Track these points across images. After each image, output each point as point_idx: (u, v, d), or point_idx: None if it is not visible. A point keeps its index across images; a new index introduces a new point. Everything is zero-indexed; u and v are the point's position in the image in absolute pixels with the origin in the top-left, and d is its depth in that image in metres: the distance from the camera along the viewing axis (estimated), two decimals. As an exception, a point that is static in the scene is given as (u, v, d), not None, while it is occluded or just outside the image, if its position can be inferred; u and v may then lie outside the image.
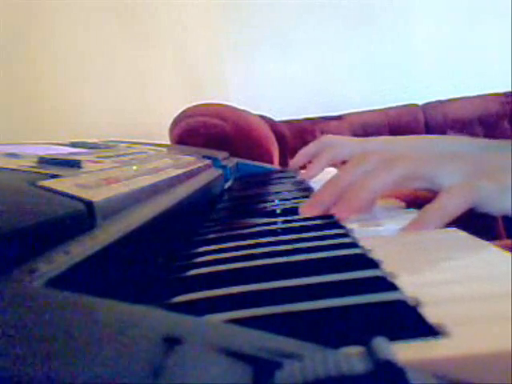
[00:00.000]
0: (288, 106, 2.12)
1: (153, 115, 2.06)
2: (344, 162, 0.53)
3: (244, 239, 0.35)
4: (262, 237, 0.35)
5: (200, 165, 0.64)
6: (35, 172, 0.32)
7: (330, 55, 2.20)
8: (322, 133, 2.02)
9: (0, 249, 0.18)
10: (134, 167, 0.45)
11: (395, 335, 0.17)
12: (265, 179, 0.86)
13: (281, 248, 0.31)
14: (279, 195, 0.61)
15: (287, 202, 0.53)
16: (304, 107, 2.11)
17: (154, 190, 0.39)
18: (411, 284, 0.23)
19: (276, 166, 1.45)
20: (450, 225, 0.38)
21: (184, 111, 1.62)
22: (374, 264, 0.26)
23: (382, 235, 0.39)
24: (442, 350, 0.17)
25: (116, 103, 2.09)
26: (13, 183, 0.28)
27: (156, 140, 1.13)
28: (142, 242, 0.29)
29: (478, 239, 0.33)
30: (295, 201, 0.52)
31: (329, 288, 0.23)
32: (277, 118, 1.96)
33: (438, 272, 0.27)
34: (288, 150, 1.85)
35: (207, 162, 0.71)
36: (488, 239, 0.32)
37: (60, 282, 0.19)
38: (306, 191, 0.61)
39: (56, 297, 0.16)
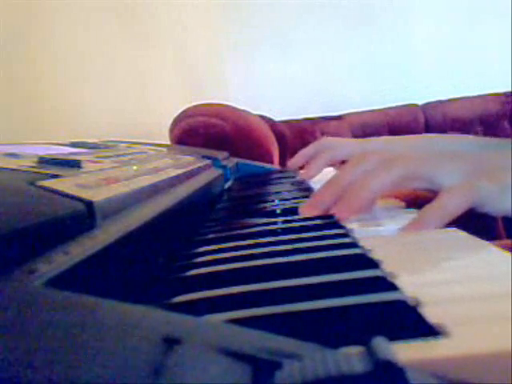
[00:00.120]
0: (288, 106, 2.12)
1: (153, 115, 2.06)
2: (343, 163, 0.53)
3: (244, 239, 0.35)
4: (261, 237, 0.35)
5: (200, 165, 0.64)
6: (35, 172, 0.32)
7: (329, 55, 2.20)
8: (322, 133, 2.02)
9: (0, 249, 0.18)
10: (134, 167, 0.45)
11: (395, 335, 0.17)
12: (265, 179, 0.86)
13: (281, 248, 0.31)
14: (279, 195, 0.61)
15: (287, 201, 0.53)
16: (304, 107, 2.11)
17: (154, 190, 0.39)
18: (411, 284, 0.23)
19: (276, 166, 1.45)
20: (450, 225, 0.38)
21: (184, 111, 1.62)
22: (373, 264, 0.26)
23: (382, 235, 0.39)
24: (442, 350, 0.17)
25: (116, 103, 2.09)
26: (13, 183, 0.28)
27: (156, 140, 1.13)
28: (141, 241, 0.29)
29: (478, 239, 0.33)
30: (295, 201, 0.52)
31: (329, 288, 0.23)
32: (277, 118, 1.96)
33: (438, 272, 0.27)
34: (288, 150, 1.85)
35: (207, 162, 0.71)
36: (488, 239, 0.32)
37: (60, 282, 0.19)
38: (305, 191, 0.61)
39: (56, 297, 0.16)
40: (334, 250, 0.29)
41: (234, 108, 1.64)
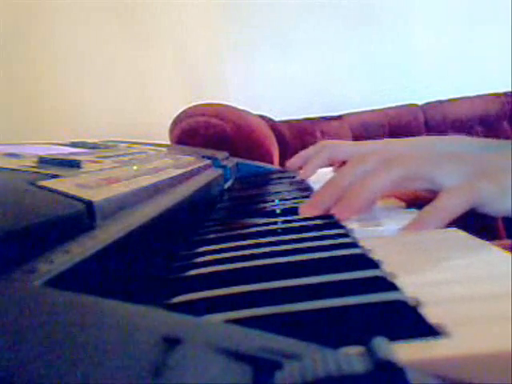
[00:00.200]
0: (288, 105, 2.12)
1: (153, 115, 2.06)
2: (343, 164, 0.53)
3: (244, 239, 0.35)
4: (261, 237, 0.35)
5: (200, 165, 0.64)
6: (35, 172, 0.32)
7: (330, 55, 2.20)
8: (322, 133, 2.02)
9: (0, 249, 0.18)
10: (134, 167, 0.45)
11: (395, 335, 0.17)
12: (265, 179, 0.86)
13: (281, 248, 0.31)
14: (279, 195, 0.61)
15: (287, 202, 0.53)
16: (304, 107, 2.11)
17: (154, 190, 0.39)
18: (411, 284, 0.23)
19: (276, 166, 1.45)
20: (450, 225, 0.38)
21: (184, 111, 1.62)
22: (373, 264, 0.26)
23: (382, 235, 0.39)
24: (441, 350, 0.17)
25: (116, 103, 2.09)
26: (13, 183, 0.28)
27: (156, 140, 1.13)
28: (141, 241, 0.29)
29: (478, 239, 0.33)
30: (295, 201, 0.52)
31: (329, 288, 0.23)
32: (277, 118, 1.96)
33: (438, 272, 0.27)
34: (288, 150, 1.85)
35: (207, 161, 0.71)
36: (488, 239, 0.32)
37: (60, 281, 0.19)
38: (305, 191, 0.61)
39: (56, 297, 0.16)
40: (334, 250, 0.29)
41: (234, 108, 1.64)
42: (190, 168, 0.57)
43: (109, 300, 0.16)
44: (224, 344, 0.14)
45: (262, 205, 0.54)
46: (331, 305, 0.20)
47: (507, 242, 0.54)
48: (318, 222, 0.40)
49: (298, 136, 1.97)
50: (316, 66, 2.20)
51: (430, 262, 0.30)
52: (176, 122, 1.61)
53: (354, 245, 0.31)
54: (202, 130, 1.51)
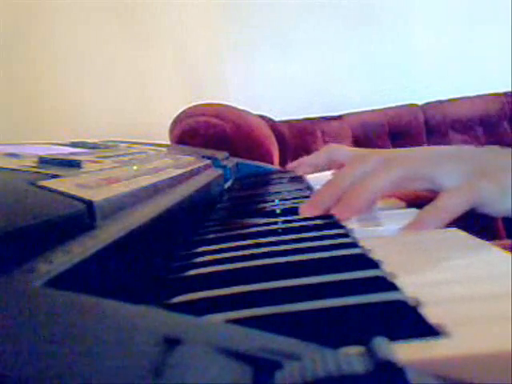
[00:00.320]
0: (288, 105, 2.12)
1: (153, 115, 2.06)
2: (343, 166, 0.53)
3: (244, 239, 0.35)
4: (262, 237, 0.35)
5: (200, 165, 0.64)
6: (35, 172, 0.32)
7: (330, 55, 2.20)
8: (322, 133, 2.02)
9: (0, 249, 0.18)
10: (134, 167, 0.45)
11: (395, 335, 0.17)
12: (265, 179, 0.86)
13: (281, 248, 0.31)
14: (279, 195, 0.61)
15: (287, 202, 0.53)
16: (304, 107, 2.11)
17: (154, 190, 0.39)
18: (411, 284, 0.23)
19: (276, 166, 1.45)
20: (450, 225, 0.38)
21: (184, 111, 1.62)
22: (373, 264, 0.26)
23: (382, 235, 0.39)
24: (441, 350, 0.17)
25: (116, 103, 2.09)
26: (13, 183, 0.28)
27: (156, 140, 1.13)
28: (141, 241, 0.29)
29: (478, 239, 0.33)
30: (295, 201, 0.52)
31: (329, 288, 0.23)
32: (277, 118, 1.96)
33: (438, 272, 0.27)
34: (288, 150, 1.85)
35: (207, 161, 0.71)
36: (488, 239, 0.32)
37: (60, 281, 0.19)
38: (305, 191, 0.61)
39: (56, 297, 0.16)
40: (334, 250, 0.29)
41: (234, 108, 1.64)
42: (189, 168, 0.57)
43: (109, 300, 0.16)
44: (224, 344, 0.14)
45: (262, 205, 0.54)
46: (331, 305, 0.20)
47: (507, 241, 0.54)
48: (318, 222, 0.40)
49: (298, 136, 1.97)
50: (316, 66, 2.20)
51: (430, 262, 0.30)
52: (176, 121, 1.61)
53: (354, 245, 0.31)
54: (202, 130, 1.51)
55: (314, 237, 0.34)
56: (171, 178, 0.46)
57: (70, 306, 0.15)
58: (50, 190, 0.26)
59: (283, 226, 0.39)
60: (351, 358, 0.13)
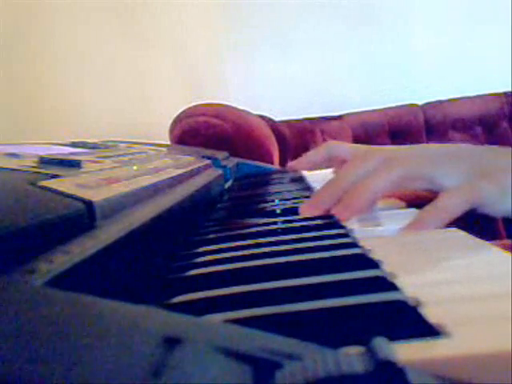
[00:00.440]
0: (288, 105, 2.12)
1: (153, 115, 2.06)
2: (343, 163, 0.53)
3: (244, 239, 0.35)
4: (262, 237, 0.35)
5: (200, 165, 0.64)
6: (35, 172, 0.32)
7: (330, 55, 2.20)
8: (322, 133, 2.01)
9: (0, 249, 0.18)
10: (134, 167, 0.45)
11: (395, 335, 0.17)
12: (265, 179, 0.86)
13: (281, 248, 0.31)
14: (279, 195, 0.61)
15: (287, 202, 0.53)
16: (304, 107, 2.11)
17: (154, 190, 0.39)
18: (411, 284, 0.23)
19: (276, 166, 1.45)
20: (450, 225, 0.38)
21: (184, 111, 1.62)
22: (373, 264, 0.26)
23: (382, 235, 0.39)
24: (441, 350, 0.17)
25: (116, 103, 2.09)
26: (13, 183, 0.28)
27: (156, 140, 1.14)
28: (141, 241, 0.29)
29: (478, 239, 0.33)
30: (295, 201, 0.52)
31: (329, 288, 0.23)
32: (277, 118, 1.96)
33: (438, 272, 0.27)
34: (288, 150, 1.85)
35: (207, 162, 0.71)
36: (488, 239, 0.32)
37: (60, 281, 0.19)
38: (306, 191, 0.61)
39: (56, 297, 0.16)
40: (335, 250, 0.29)
41: (233, 108, 1.64)
42: (190, 168, 0.57)
43: (109, 300, 0.16)
44: (224, 344, 0.14)
45: (262, 205, 0.54)
46: (331, 305, 0.20)
47: (507, 241, 0.54)
48: (318, 222, 0.40)
49: (298, 136, 1.97)
50: (316, 66, 2.20)
51: (430, 262, 0.30)
52: (176, 121, 1.61)
53: (354, 245, 0.31)
54: (202, 130, 1.51)
55: (314, 237, 0.34)
56: (171, 178, 0.46)
57: (70, 306, 0.15)
58: (50, 190, 0.26)
59: (283, 226, 0.39)
60: (351, 358, 0.13)
